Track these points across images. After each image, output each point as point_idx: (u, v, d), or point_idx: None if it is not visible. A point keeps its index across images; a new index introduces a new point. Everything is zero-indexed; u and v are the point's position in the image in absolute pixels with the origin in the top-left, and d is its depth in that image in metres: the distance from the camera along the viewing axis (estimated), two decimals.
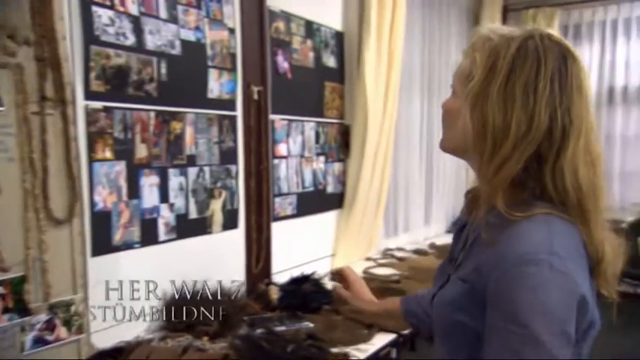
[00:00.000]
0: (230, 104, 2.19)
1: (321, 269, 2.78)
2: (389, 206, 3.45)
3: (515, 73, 0.78)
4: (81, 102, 1.63)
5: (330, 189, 2.89)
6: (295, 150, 2.62)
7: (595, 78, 5.12)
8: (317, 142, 2.78)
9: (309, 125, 2.71)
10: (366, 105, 2.90)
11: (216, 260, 2.15)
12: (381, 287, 2.48)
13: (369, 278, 2.66)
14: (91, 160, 1.66)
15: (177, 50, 1.91)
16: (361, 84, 2.92)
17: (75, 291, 1.57)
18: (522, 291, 0.72)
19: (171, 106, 1.90)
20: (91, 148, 1.65)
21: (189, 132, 1.99)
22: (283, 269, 2.49)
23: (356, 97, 2.97)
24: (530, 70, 0.77)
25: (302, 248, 2.71)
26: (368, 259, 3.17)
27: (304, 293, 2.20)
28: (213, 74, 2.08)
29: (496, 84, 0.78)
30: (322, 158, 2.82)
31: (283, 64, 2.48)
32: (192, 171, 2.02)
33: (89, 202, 1.66)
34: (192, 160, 2.01)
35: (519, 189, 0.81)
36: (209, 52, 2.05)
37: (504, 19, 5.48)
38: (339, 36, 2.92)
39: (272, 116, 2.44)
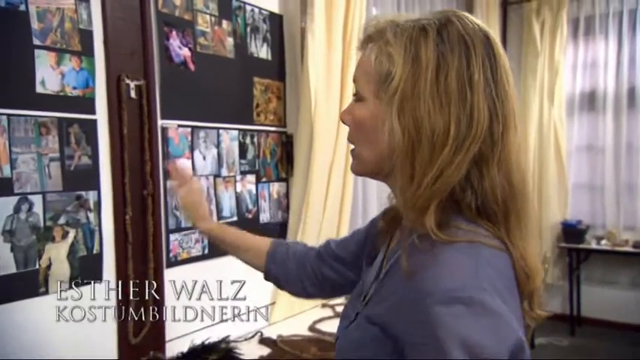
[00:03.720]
0: (84, 103, 1.52)
1: (248, 328, 2.10)
2: None
3: (446, 64, 0.67)
4: None
5: (265, 217, 2.20)
6: (206, 168, 1.93)
7: (612, 78, 4.40)
8: (243, 156, 2.09)
9: (230, 134, 2.02)
10: (310, 108, 2.23)
11: (61, 332, 1.46)
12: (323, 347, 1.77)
13: (308, 339, 1.94)
14: None
15: None
16: (305, 82, 2.25)
17: None
18: (452, 338, 0.58)
19: None
20: None
21: None
22: (189, 332, 1.80)
23: (300, 98, 2.30)
24: (460, 59, 0.68)
25: (220, 300, 2.01)
26: (325, 305, 2.47)
27: None
28: (45, 59, 1.41)
29: (426, 80, 0.67)
30: (252, 177, 2.14)
31: (180, 51, 1.81)
32: (7, 202, 1.34)
33: None
34: (4, 187, 1.34)
35: (451, 204, 0.68)
36: (35, 25, 1.39)
37: (504, 14, 4.81)
38: (275, 19, 2.25)
39: (163, 122, 1.77)
